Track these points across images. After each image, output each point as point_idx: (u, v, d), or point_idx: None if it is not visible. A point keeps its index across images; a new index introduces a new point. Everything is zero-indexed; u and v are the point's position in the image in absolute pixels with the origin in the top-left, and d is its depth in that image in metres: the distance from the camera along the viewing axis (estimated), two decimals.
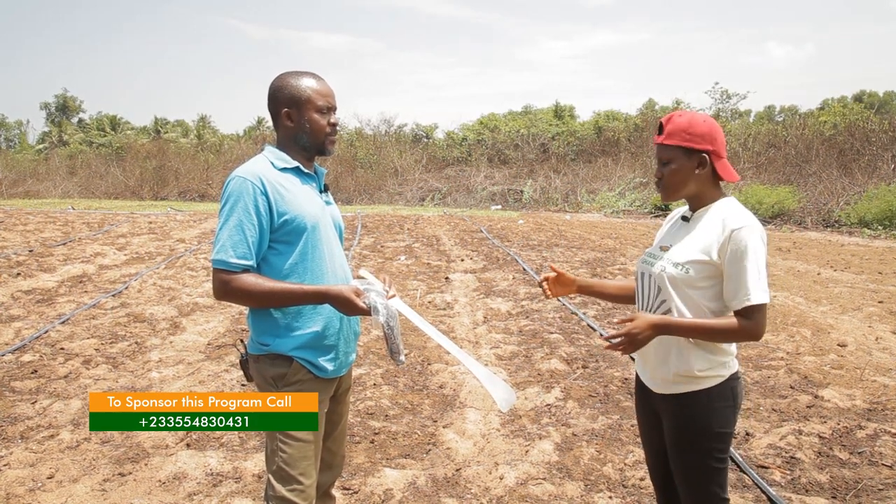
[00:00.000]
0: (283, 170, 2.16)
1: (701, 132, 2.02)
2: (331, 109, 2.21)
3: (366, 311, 2.06)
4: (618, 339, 1.98)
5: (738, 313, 1.96)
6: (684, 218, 2.15)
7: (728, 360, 2.06)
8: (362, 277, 2.22)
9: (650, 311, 2.10)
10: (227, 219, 2.05)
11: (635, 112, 33.22)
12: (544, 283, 2.38)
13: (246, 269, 2.05)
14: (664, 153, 2.05)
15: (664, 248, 2.12)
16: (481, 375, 2.32)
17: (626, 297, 2.38)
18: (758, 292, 1.91)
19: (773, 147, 23.49)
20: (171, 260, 10.55)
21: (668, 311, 2.03)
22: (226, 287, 2.05)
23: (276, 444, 2.12)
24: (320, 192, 2.29)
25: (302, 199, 2.15)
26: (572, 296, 7.98)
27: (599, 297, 2.52)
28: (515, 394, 2.41)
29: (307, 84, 2.17)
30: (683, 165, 2.03)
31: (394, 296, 2.22)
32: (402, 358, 2.21)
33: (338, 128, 2.25)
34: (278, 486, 2.11)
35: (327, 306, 2.13)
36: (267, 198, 2.06)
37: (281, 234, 2.10)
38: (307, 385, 2.14)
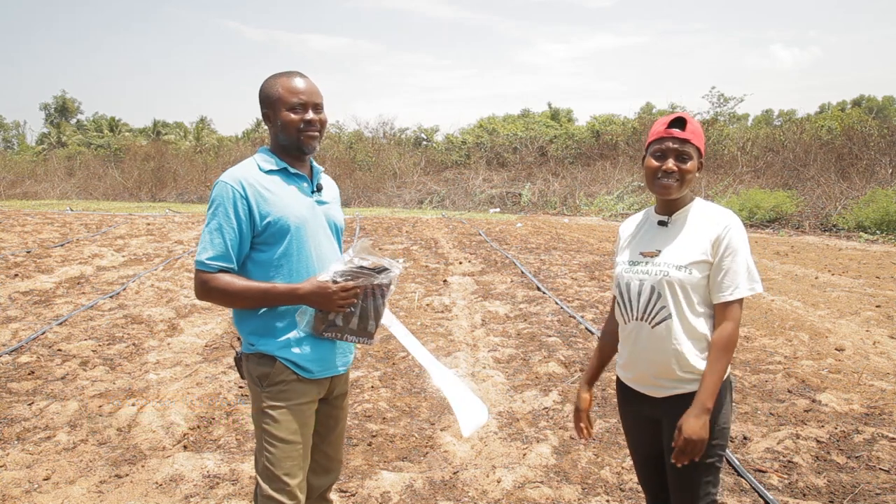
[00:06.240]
0: (269, 172, 2.18)
1: (704, 137, 2.11)
2: (306, 106, 2.17)
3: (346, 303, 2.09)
4: (685, 458, 2.01)
5: (720, 308, 2.04)
6: (661, 222, 2.15)
7: None
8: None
9: (645, 318, 2.10)
10: (208, 222, 2.12)
11: (633, 115, 33.24)
12: (583, 429, 2.34)
13: (223, 270, 2.10)
14: (685, 148, 2.05)
15: (650, 254, 2.12)
16: (451, 394, 2.26)
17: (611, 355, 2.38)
18: (745, 287, 2.03)
19: (772, 151, 23.57)
20: (168, 262, 10.54)
21: (668, 318, 2.05)
22: (203, 286, 2.12)
23: (261, 444, 2.16)
24: (313, 191, 2.27)
25: (287, 201, 2.16)
26: (570, 299, 8.00)
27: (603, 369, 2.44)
28: (488, 415, 2.33)
29: (281, 83, 2.17)
30: (696, 165, 2.08)
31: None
32: (372, 335, 2.20)
33: (317, 126, 2.20)
34: (264, 486, 2.14)
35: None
36: (247, 201, 2.10)
37: (266, 236, 2.14)
38: (291, 386, 2.15)
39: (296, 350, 2.16)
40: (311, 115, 2.19)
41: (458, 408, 2.24)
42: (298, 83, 2.18)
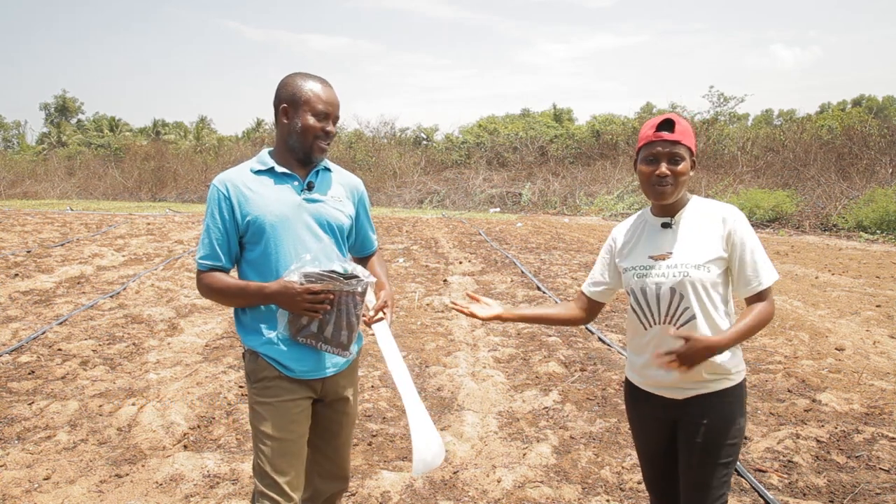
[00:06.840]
0: (258, 172, 2.22)
1: (695, 135, 2.12)
2: (329, 117, 2.21)
3: (314, 303, 2.08)
4: (673, 356, 1.97)
5: (752, 298, 2.05)
6: (665, 224, 2.14)
7: (742, 356, 2.15)
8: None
9: (671, 322, 2.07)
10: (203, 223, 2.23)
11: (633, 115, 33.24)
12: (462, 305, 2.35)
13: (213, 269, 2.19)
14: (677, 150, 2.03)
15: (661, 257, 2.10)
16: (415, 427, 2.21)
17: (571, 320, 2.41)
18: (770, 274, 2.05)
19: (772, 151, 23.55)
20: (169, 261, 10.54)
21: (692, 319, 2.04)
22: (199, 284, 2.23)
23: (256, 443, 2.20)
24: (302, 190, 2.23)
25: (268, 200, 2.18)
26: (570, 299, 7.99)
27: (537, 322, 2.48)
28: (443, 455, 2.29)
29: (311, 87, 2.19)
30: (688, 166, 2.07)
31: (381, 319, 2.26)
32: (347, 347, 2.19)
33: (332, 137, 2.25)
34: (257, 482, 2.18)
35: None
36: (230, 202, 2.17)
37: (249, 235, 2.20)
38: (275, 382, 2.17)
39: (278, 348, 2.18)
40: (330, 126, 2.23)
41: (417, 443, 2.19)
42: (329, 93, 2.22)
